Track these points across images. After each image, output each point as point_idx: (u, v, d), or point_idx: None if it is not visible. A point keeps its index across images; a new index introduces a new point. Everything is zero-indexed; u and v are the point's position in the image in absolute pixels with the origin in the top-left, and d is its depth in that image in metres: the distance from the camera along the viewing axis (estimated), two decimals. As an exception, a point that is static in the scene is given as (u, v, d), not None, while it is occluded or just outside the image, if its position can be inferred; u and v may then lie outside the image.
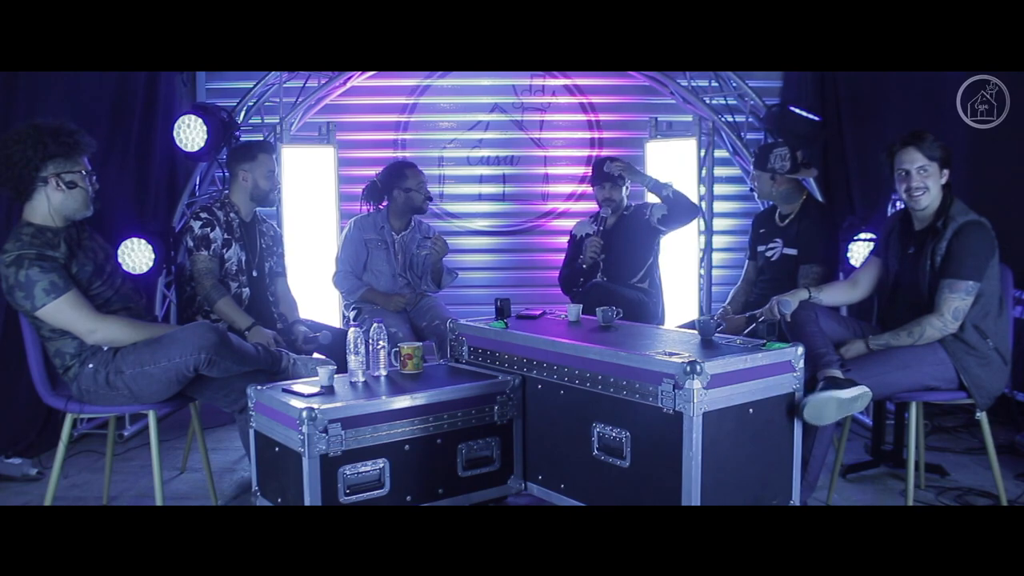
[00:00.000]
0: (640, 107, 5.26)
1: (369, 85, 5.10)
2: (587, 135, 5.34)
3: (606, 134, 5.32)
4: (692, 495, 2.41)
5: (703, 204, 4.79)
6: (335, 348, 3.41)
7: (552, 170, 5.37)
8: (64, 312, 2.75)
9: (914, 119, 4.25)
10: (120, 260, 3.94)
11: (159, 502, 2.94)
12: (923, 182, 2.98)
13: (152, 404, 2.90)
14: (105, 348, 2.85)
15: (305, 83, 4.71)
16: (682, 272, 4.85)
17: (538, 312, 3.36)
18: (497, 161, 5.37)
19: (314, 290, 4.53)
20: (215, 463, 3.59)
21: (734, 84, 4.71)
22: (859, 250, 4.11)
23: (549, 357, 2.85)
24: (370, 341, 2.95)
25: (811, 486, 2.99)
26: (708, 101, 4.79)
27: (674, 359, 2.47)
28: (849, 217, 4.43)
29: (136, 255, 4.10)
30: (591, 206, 4.69)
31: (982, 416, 3.03)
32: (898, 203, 3.65)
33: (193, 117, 4.15)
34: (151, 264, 4.13)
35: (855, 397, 2.75)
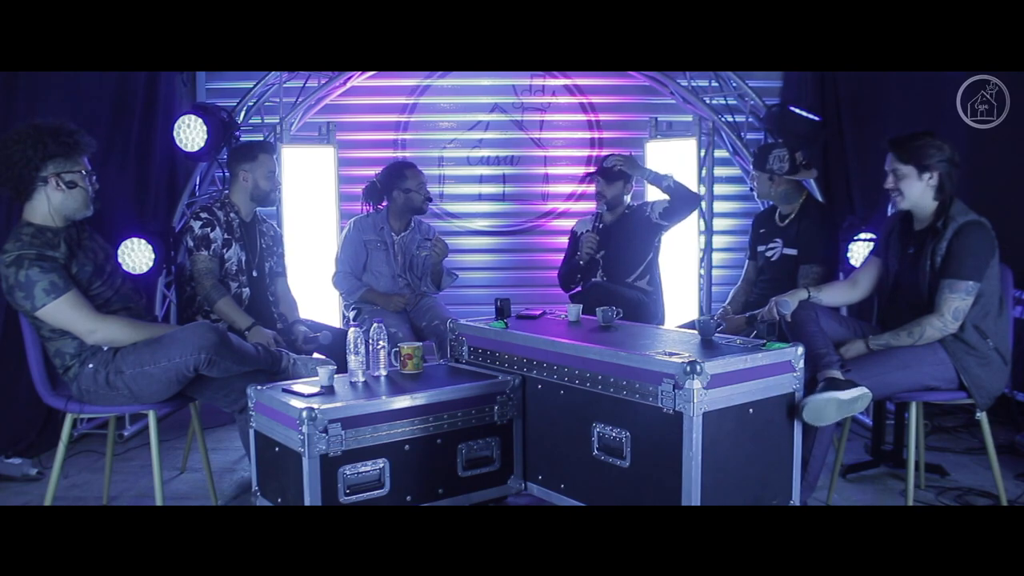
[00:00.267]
0: (640, 107, 5.26)
1: (369, 85, 5.10)
2: (587, 135, 5.35)
3: (606, 134, 5.32)
4: (692, 495, 2.41)
5: (703, 204, 4.79)
6: (335, 348, 3.41)
7: (552, 170, 5.38)
8: (64, 312, 2.75)
9: (914, 119, 4.25)
10: (120, 260, 3.94)
11: (159, 502, 2.94)
12: (896, 186, 3.01)
13: (152, 404, 2.90)
14: (105, 348, 2.85)
15: (305, 83, 4.71)
16: (682, 272, 4.86)
17: (538, 312, 3.36)
18: (497, 161, 5.37)
19: (314, 290, 4.53)
20: (215, 463, 3.59)
21: (734, 84, 4.71)
22: (859, 250, 4.10)
23: (549, 357, 2.85)
24: (370, 341, 2.95)
25: (811, 486, 2.99)
26: (708, 101, 4.79)
27: (674, 359, 2.47)
28: (849, 217, 4.43)
29: (136, 255, 4.10)
30: (591, 206, 4.69)
31: (982, 416, 3.03)
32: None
33: (193, 117, 4.15)
34: (151, 264, 4.13)
35: (855, 398, 2.75)
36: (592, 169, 5.01)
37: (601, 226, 4.15)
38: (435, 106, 5.30)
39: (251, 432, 2.83)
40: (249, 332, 3.29)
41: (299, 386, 2.79)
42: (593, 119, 5.34)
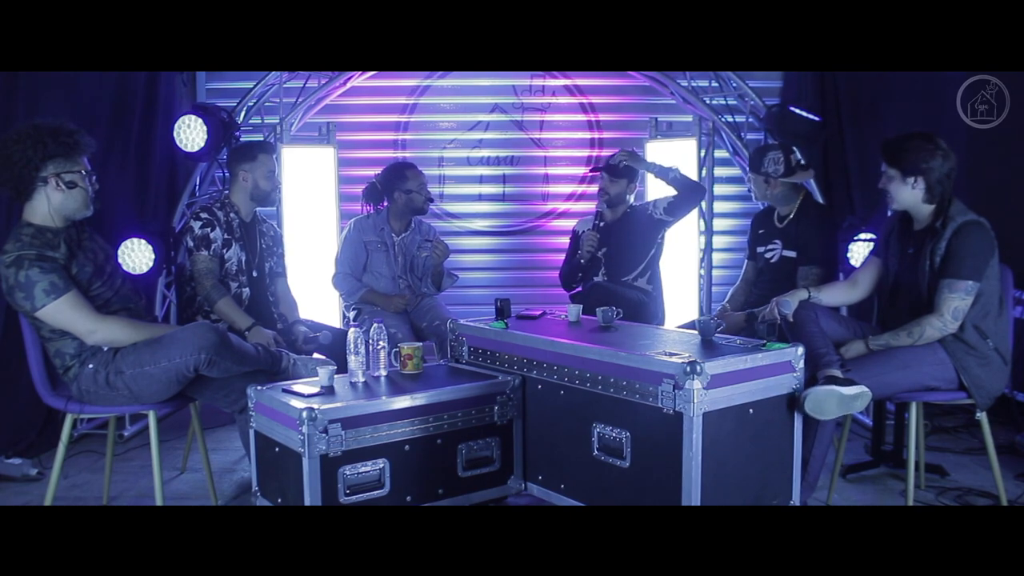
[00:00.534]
0: (640, 107, 5.26)
1: (369, 85, 5.10)
2: (587, 135, 5.34)
3: (606, 134, 5.32)
4: (692, 495, 2.41)
5: (703, 204, 4.79)
6: (335, 348, 3.41)
7: (552, 170, 5.37)
8: (64, 313, 2.75)
9: (914, 119, 4.26)
10: (120, 260, 3.94)
11: (159, 502, 2.94)
12: (886, 187, 3.02)
13: (152, 404, 2.90)
14: (105, 348, 2.85)
15: (305, 83, 4.71)
16: (682, 272, 4.85)
17: (538, 312, 3.36)
18: (497, 161, 5.37)
19: (314, 290, 4.53)
20: (215, 463, 3.59)
21: (734, 84, 4.71)
22: (859, 250, 4.10)
23: (549, 357, 2.85)
24: (370, 341, 2.95)
25: (811, 486, 2.99)
26: (708, 101, 4.79)
27: (674, 359, 2.47)
28: (849, 217, 4.43)
29: (136, 255, 4.10)
30: (591, 206, 4.69)
31: (982, 416, 3.03)
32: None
33: (193, 117, 4.15)
34: (151, 264, 4.13)
35: (856, 395, 2.75)
36: (590, 168, 5.03)
37: (602, 224, 4.15)
38: (435, 106, 5.30)
39: (251, 432, 2.83)
40: (249, 332, 3.29)
41: (299, 386, 2.79)
42: (593, 119, 5.33)
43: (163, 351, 2.81)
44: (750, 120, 4.74)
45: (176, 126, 4.17)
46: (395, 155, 5.15)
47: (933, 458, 3.66)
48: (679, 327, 3.43)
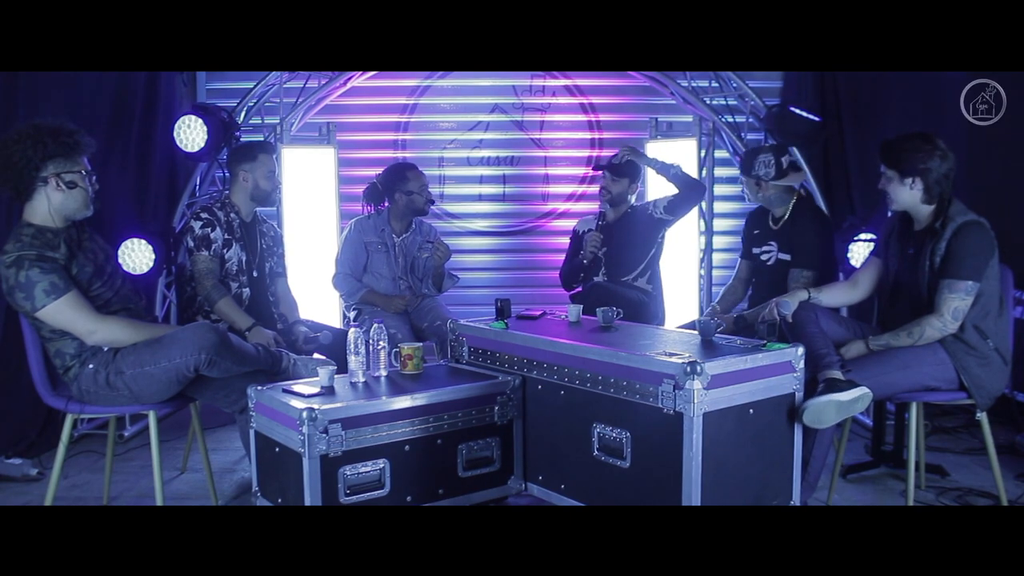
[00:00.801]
0: (640, 107, 5.27)
1: (369, 85, 5.10)
2: (587, 135, 5.35)
3: (606, 134, 5.32)
4: (692, 495, 2.41)
5: (703, 204, 4.79)
6: (335, 348, 3.40)
7: (552, 170, 5.38)
8: (64, 313, 2.75)
9: (914, 119, 4.26)
10: (120, 260, 3.94)
11: (159, 502, 2.94)
12: (886, 187, 3.03)
13: (152, 404, 2.90)
14: (105, 349, 2.85)
15: (305, 83, 4.71)
16: (682, 272, 4.85)
17: (538, 312, 3.36)
18: (497, 161, 5.37)
19: (314, 290, 4.53)
20: (215, 463, 3.59)
21: (734, 84, 4.71)
22: (859, 250, 4.10)
23: (549, 357, 2.85)
24: (370, 341, 2.95)
25: (811, 486, 2.99)
26: (708, 101, 4.79)
27: (674, 359, 2.47)
28: (849, 217, 4.43)
29: (136, 255, 4.10)
30: (592, 206, 4.69)
31: (982, 416, 3.03)
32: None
33: (193, 117, 4.15)
34: (151, 264, 4.13)
35: (855, 399, 2.75)
36: (593, 167, 5.03)
37: (603, 224, 4.15)
38: (435, 106, 5.30)
39: (251, 432, 2.83)
40: (249, 332, 3.29)
41: (299, 386, 2.79)
42: (593, 119, 5.34)
43: (163, 351, 2.81)
44: (750, 120, 4.74)
45: (176, 126, 4.17)
46: (395, 155, 5.16)
47: (933, 458, 3.66)
48: (679, 327, 3.43)
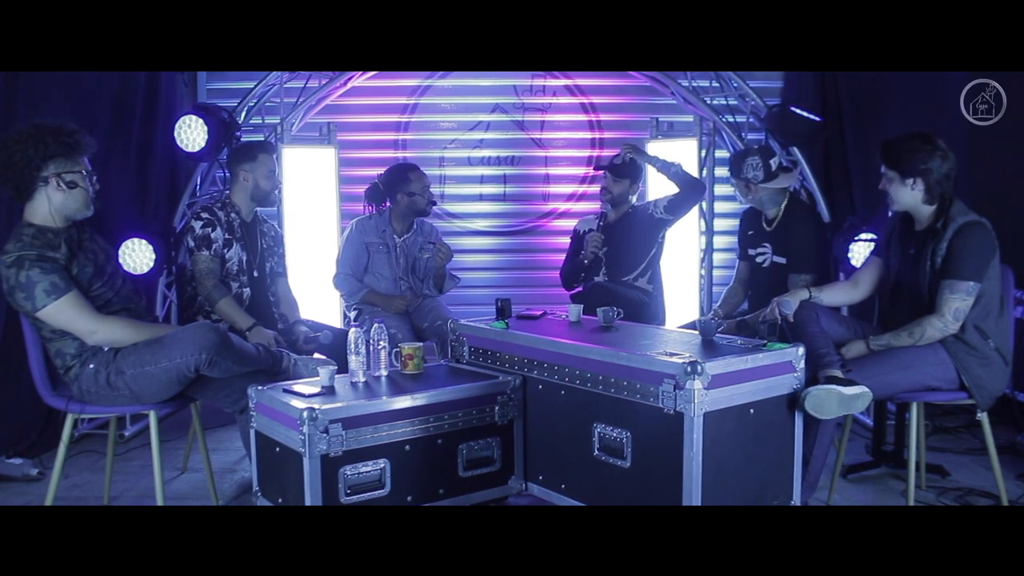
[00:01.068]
0: (641, 107, 5.26)
1: (370, 85, 5.10)
2: (588, 135, 5.34)
3: (607, 134, 5.31)
4: (693, 495, 2.41)
5: (703, 204, 4.79)
6: (336, 348, 3.41)
7: (553, 170, 5.37)
8: (65, 313, 2.75)
9: (915, 119, 4.25)
10: (121, 260, 3.94)
11: (160, 502, 2.94)
12: (887, 188, 3.03)
13: (153, 404, 2.90)
14: (106, 348, 2.85)
15: (306, 83, 4.71)
16: (683, 272, 4.85)
17: (539, 312, 3.36)
18: (498, 161, 5.37)
19: (315, 290, 4.53)
20: (216, 463, 3.59)
21: (735, 84, 4.71)
22: (860, 250, 4.10)
23: (550, 357, 2.85)
24: (371, 341, 2.95)
25: (812, 486, 2.99)
26: (709, 101, 4.78)
27: (675, 359, 2.47)
28: (850, 217, 4.42)
29: (137, 255, 4.10)
30: (592, 206, 4.69)
31: (983, 416, 3.03)
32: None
33: (194, 117, 4.15)
34: (152, 264, 4.13)
35: (856, 395, 2.75)
36: (594, 167, 5.03)
37: (604, 223, 4.15)
38: (436, 106, 5.30)
39: (252, 432, 2.83)
40: (250, 332, 3.29)
41: (300, 386, 2.79)
42: (594, 119, 5.33)
43: (164, 351, 2.81)
44: (751, 120, 4.73)
45: (177, 126, 4.17)
46: (396, 155, 5.16)
47: (934, 458, 3.66)
48: (680, 327, 3.43)
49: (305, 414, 2.54)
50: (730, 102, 4.82)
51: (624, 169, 4.11)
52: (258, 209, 3.68)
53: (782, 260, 3.64)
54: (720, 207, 5.05)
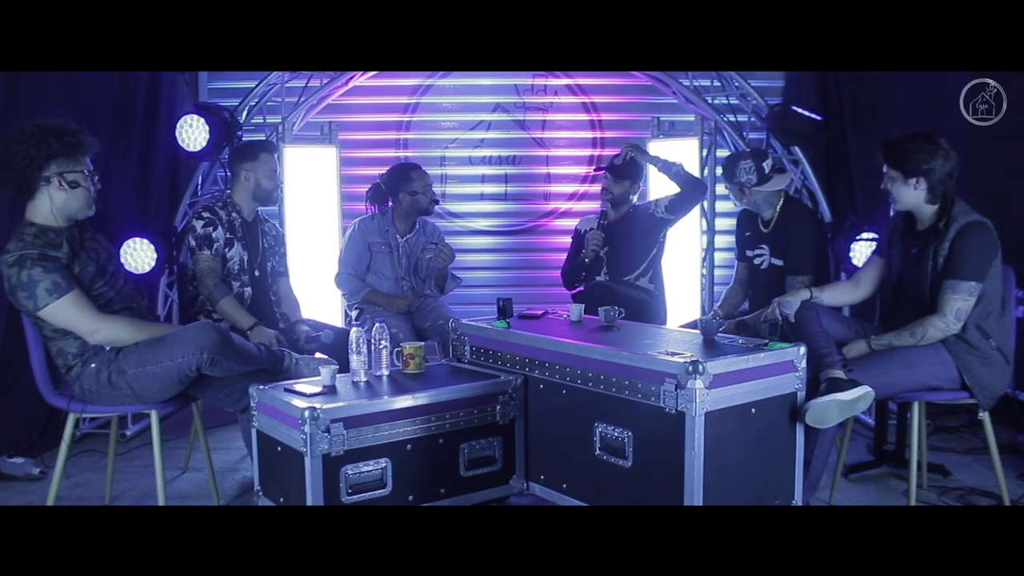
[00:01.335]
0: (642, 107, 5.26)
1: (371, 85, 5.11)
2: (589, 135, 5.34)
3: (608, 134, 5.32)
4: (694, 495, 2.41)
5: (704, 204, 4.79)
6: (337, 348, 3.41)
7: (554, 170, 5.37)
8: (66, 312, 2.75)
9: (916, 119, 4.25)
10: (122, 260, 3.95)
11: (161, 502, 2.94)
12: (889, 188, 3.02)
13: (154, 404, 2.90)
14: (107, 348, 2.85)
15: (307, 83, 4.71)
16: (684, 272, 4.85)
17: (540, 312, 3.36)
18: (499, 161, 5.37)
19: (316, 290, 4.53)
20: (217, 463, 3.58)
21: (736, 84, 4.71)
22: (861, 250, 4.09)
23: (551, 357, 2.85)
24: (372, 341, 2.95)
25: (813, 486, 2.99)
26: (710, 101, 4.78)
27: (676, 359, 2.47)
28: (851, 217, 4.42)
29: (138, 255, 4.11)
30: (593, 206, 4.68)
31: (984, 416, 3.03)
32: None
33: (195, 117, 4.15)
34: (153, 264, 4.14)
35: (857, 398, 2.75)
36: (595, 167, 5.03)
37: (605, 223, 4.15)
38: (437, 106, 5.30)
39: (253, 432, 2.83)
40: (251, 332, 3.29)
41: (301, 386, 2.79)
42: (595, 119, 5.33)
43: (165, 350, 2.81)
44: (752, 120, 4.74)
45: (178, 126, 4.18)
46: (397, 155, 5.16)
47: (935, 458, 3.66)
48: (681, 327, 3.43)
49: (307, 413, 2.54)
50: (731, 101, 4.82)
51: (625, 170, 4.10)
52: (259, 208, 3.68)
53: (780, 262, 3.62)
54: (721, 206, 5.05)
